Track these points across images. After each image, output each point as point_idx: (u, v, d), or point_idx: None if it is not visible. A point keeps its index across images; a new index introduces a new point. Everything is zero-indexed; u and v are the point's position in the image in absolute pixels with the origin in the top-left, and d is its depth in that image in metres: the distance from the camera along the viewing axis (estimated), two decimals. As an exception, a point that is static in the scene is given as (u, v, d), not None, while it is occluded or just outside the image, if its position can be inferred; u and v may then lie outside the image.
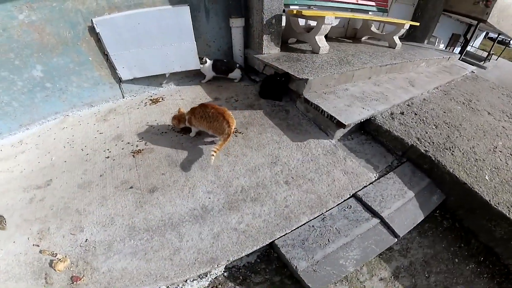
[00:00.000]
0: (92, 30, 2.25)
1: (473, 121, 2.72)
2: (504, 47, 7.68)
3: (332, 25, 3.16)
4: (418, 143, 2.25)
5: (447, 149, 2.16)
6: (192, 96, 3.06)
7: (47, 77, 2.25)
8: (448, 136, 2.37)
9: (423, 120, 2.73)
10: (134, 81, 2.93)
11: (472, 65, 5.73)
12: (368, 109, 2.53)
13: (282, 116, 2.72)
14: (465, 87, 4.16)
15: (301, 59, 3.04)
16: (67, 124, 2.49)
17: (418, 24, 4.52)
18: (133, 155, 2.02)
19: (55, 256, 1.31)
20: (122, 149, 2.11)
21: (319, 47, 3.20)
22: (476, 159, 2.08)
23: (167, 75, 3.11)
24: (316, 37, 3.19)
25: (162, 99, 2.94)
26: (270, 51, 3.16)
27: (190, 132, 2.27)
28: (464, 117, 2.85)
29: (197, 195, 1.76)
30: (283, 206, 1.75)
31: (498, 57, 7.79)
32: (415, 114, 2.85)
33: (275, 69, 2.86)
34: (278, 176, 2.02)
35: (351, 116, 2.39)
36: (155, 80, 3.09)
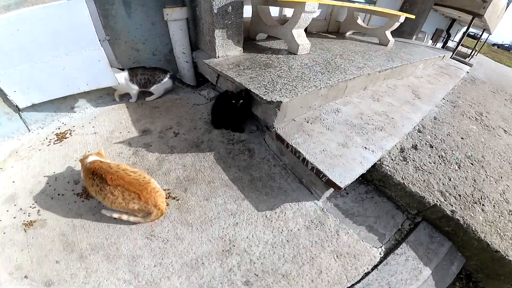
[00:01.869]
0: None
1: (493, 147, 2.24)
2: (476, 42, 7.21)
3: (314, 15, 2.10)
4: (442, 200, 1.49)
5: (476, 202, 1.61)
6: (110, 127, 1.90)
7: None
8: (475, 180, 1.77)
9: (442, 156, 1.89)
10: (37, 107, 1.83)
11: (460, 62, 5.02)
12: (373, 150, 1.56)
13: (243, 163, 1.66)
14: (469, 94, 3.43)
15: (272, 63, 1.97)
16: None
17: (414, 16, 3.58)
18: (25, 229, 1.29)
19: None
20: (14, 217, 1.33)
21: (298, 46, 2.15)
22: (510, 211, 1.60)
23: (78, 97, 1.93)
24: (294, 31, 2.13)
25: (70, 134, 1.81)
26: (227, 53, 2.06)
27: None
28: (484, 142, 2.29)
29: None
30: None
31: (477, 52, 7.26)
32: (431, 146, 1.98)
33: (232, 83, 1.77)
34: (233, 274, 1.21)
35: (350, 168, 1.40)
36: (64, 103, 1.95)
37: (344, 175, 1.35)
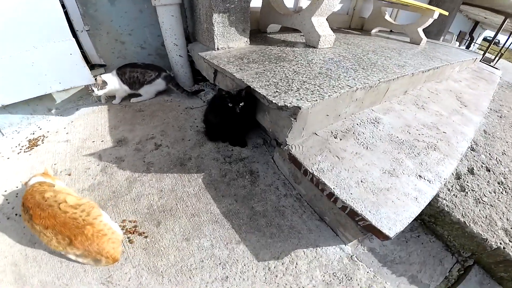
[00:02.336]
0: None
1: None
2: (502, 46, 6.58)
3: (337, 2, 1.63)
4: (507, 241, 1.10)
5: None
6: (84, 134, 1.51)
7: None
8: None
9: (502, 183, 1.42)
10: (10, 109, 1.52)
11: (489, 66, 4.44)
12: (430, 179, 1.08)
13: (242, 191, 1.18)
14: (510, 101, 2.86)
15: (286, 57, 1.50)
16: None
17: (447, 13, 3.06)
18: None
19: None
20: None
21: (319, 36, 1.67)
22: None
23: (56, 98, 1.55)
24: (314, 19, 1.67)
25: (42, 141, 1.45)
26: (229, 44, 1.61)
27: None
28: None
29: None
30: None
31: (500, 58, 6.66)
32: (488, 169, 1.56)
33: (232, 80, 1.30)
34: None
35: (401, 207, 0.93)
36: (41, 105, 1.61)
37: (394, 218, 0.86)
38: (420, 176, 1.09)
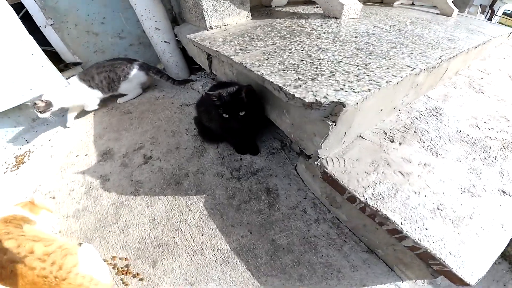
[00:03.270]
0: None
1: None
2: None
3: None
4: None
5: None
6: (68, 147, 1.28)
7: None
8: None
9: None
10: None
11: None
12: None
13: (258, 218, 0.89)
14: None
15: (302, 30, 1.14)
16: None
17: None
18: None
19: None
20: None
21: (342, 5, 1.27)
22: None
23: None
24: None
25: (29, 157, 1.24)
26: (224, 21, 1.26)
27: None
28: None
29: None
30: None
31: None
32: None
33: (230, 66, 0.96)
34: None
35: (486, 239, 0.64)
36: (22, 115, 1.38)
37: (477, 257, 0.59)
38: (504, 192, 0.76)
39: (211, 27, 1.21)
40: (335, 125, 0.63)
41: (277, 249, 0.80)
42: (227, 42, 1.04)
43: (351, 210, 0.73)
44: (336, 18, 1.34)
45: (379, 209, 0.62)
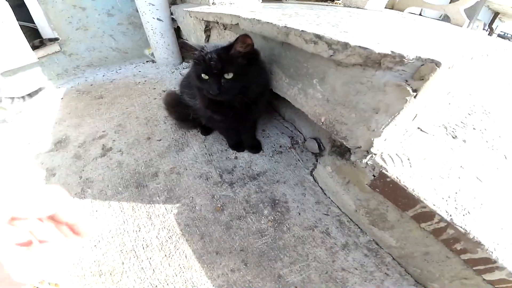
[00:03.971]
0: None
1: None
2: None
3: None
4: None
5: None
6: (24, 130, 0.96)
7: None
8: None
9: None
10: None
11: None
12: None
13: (258, 241, 0.60)
14: None
15: (325, 8, 0.89)
16: None
17: None
18: None
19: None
20: None
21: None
22: None
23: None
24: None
25: None
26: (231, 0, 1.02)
27: None
28: None
29: None
30: None
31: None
32: None
33: (236, 31, 0.71)
34: None
35: None
36: None
37: None
38: None
39: (214, 3, 0.99)
40: (415, 96, 0.38)
41: None
42: (233, 9, 0.81)
43: (411, 232, 0.45)
44: (358, 8, 1.16)
45: (468, 231, 0.35)
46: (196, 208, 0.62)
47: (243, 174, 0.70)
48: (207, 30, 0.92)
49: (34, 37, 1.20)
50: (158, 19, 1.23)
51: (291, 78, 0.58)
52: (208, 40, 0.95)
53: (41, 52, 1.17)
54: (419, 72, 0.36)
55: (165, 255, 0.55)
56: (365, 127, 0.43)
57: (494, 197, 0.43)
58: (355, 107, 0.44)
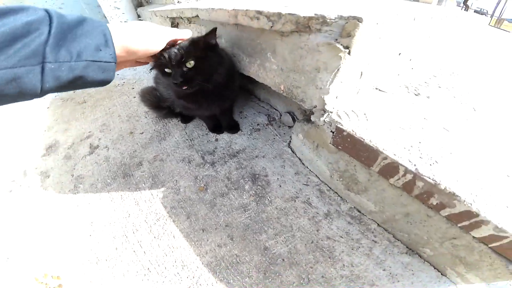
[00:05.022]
0: None
1: None
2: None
3: None
4: None
5: None
6: (18, 137, 1.01)
7: None
8: None
9: None
10: None
11: None
12: None
13: (241, 216, 0.64)
14: None
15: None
16: None
17: None
18: None
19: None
20: None
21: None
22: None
23: None
24: None
25: None
26: None
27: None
28: None
29: None
30: None
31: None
32: None
33: (201, 24, 0.72)
34: None
35: None
36: None
37: None
38: None
39: (179, 1, 0.99)
40: (349, 53, 0.39)
41: (274, 261, 0.53)
42: (196, 3, 0.81)
43: (385, 192, 0.47)
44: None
45: (438, 181, 0.36)
46: (181, 190, 0.65)
47: (223, 153, 0.73)
48: (173, 26, 0.93)
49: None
50: (125, 22, 1.24)
51: (250, 56, 0.59)
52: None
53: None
54: (344, 29, 0.38)
55: (154, 237, 0.58)
56: (313, 87, 0.44)
57: (465, 147, 0.44)
58: (302, 70, 0.45)
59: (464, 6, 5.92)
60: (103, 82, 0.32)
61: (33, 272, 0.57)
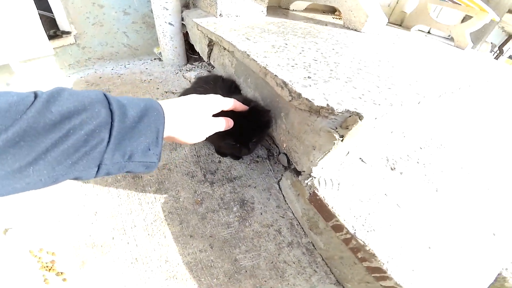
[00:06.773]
0: None
1: None
2: None
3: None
4: None
5: None
6: None
7: None
8: None
9: None
10: None
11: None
12: None
13: (224, 231, 0.76)
14: None
15: (319, 34, 1.04)
16: None
17: (499, 19, 2.58)
18: None
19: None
20: None
21: (367, 17, 1.20)
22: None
23: (14, 70, 1.15)
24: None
25: None
26: (237, 11, 1.18)
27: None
28: None
29: None
30: None
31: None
32: None
33: (231, 57, 0.85)
34: None
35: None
36: None
37: None
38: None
39: (221, 15, 1.12)
40: (342, 140, 0.52)
41: (239, 271, 0.66)
42: (234, 30, 0.94)
43: (332, 239, 0.61)
44: (356, 30, 1.27)
45: (366, 246, 0.50)
46: (180, 199, 0.78)
47: (223, 176, 0.86)
48: (210, 45, 1.05)
49: (49, 27, 1.28)
50: (169, 23, 1.35)
51: (269, 106, 0.72)
52: (210, 53, 1.09)
53: (57, 43, 1.26)
54: (346, 122, 0.50)
55: (148, 234, 0.71)
56: (307, 158, 0.57)
57: (405, 222, 0.57)
58: (303, 142, 0.58)
59: (498, 51, 5.94)
60: (144, 172, 0.34)
61: (30, 245, 0.64)
